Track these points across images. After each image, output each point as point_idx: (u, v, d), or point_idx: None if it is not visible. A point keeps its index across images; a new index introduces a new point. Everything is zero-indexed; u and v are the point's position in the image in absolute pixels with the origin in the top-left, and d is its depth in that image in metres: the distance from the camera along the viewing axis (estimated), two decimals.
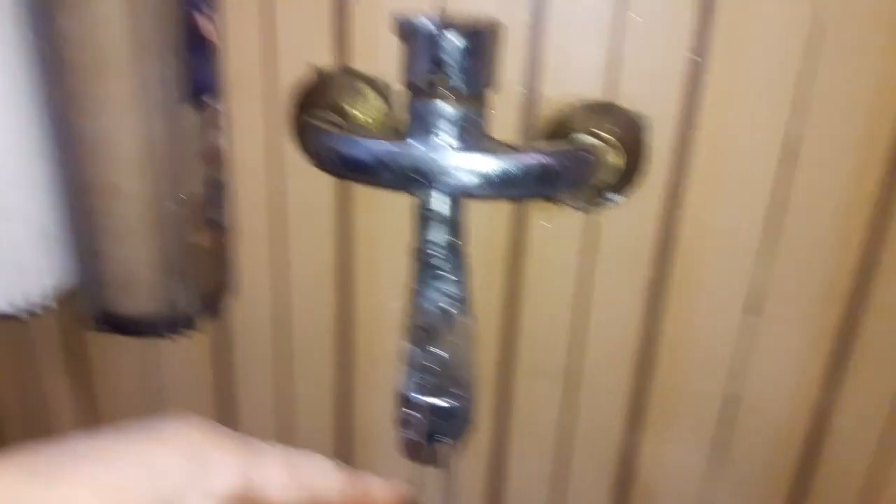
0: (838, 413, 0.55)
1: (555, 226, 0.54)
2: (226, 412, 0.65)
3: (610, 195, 0.52)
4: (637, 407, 0.58)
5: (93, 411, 0.69)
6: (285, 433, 0.65)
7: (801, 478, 0.58)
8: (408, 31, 0.41)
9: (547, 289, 0.56)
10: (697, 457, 0.59)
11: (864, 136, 0.48)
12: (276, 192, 0.56)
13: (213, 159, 0.52)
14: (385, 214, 0.55)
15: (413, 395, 0.34)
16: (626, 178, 0.51)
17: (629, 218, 0.53)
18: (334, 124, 0.49)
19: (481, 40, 0.43)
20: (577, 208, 0.53)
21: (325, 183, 0.55)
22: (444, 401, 0.34)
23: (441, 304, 0.40)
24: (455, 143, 0.45)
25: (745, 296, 0.53)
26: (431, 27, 0.40)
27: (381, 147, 0.46)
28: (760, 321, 0.54)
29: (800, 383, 0.55)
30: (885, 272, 0.51)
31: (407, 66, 0.44)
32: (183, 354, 0.64)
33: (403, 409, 0.35)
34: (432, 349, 0.37)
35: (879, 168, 0.48)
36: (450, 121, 0.44)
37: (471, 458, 0.63)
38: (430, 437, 0.35)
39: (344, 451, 0.65)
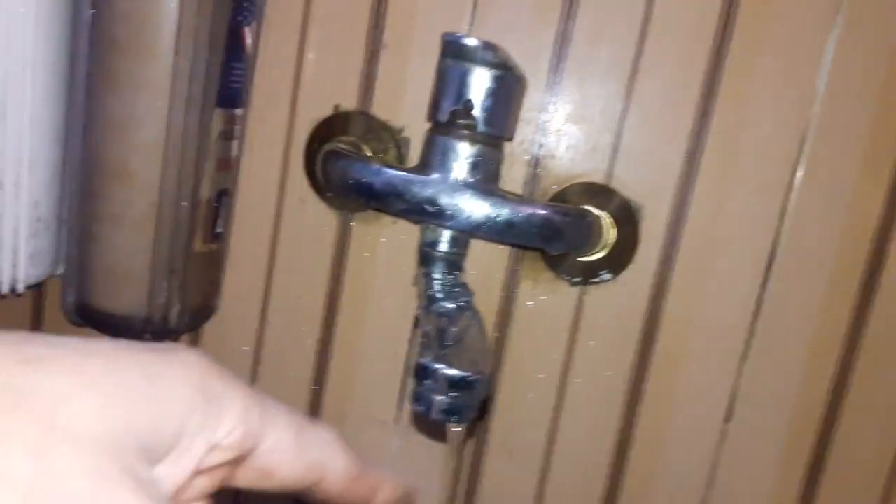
0: None
1: (545, 297, 0.55)
2: None
3: (601, 272, 0.54)
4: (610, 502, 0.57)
5: None
6: None
7: None
8: (453, 50, 0.44)
9: (528, 361, 0.56)
10: None
11: (841, 249, 0.52)
12: (278, 215, 0.57)
13: (227, 168, 0.53)
14: (381, 259, 0.56)
15: (429, 363, 0.34)
16: (618, 258, 0.53)
17: (616, 299, 0.54)
18: (353, 152, 0.51)
19: (507, 85, 0.46)
20: (569, 281, 0.54)
21: (327, 219, 0.57)
22: (461, 372, 0.34)
23: (453, 305, 0.41)
24: (468, 180, 0.47)
25: (724, 400, 0.55)
26: (478, 44, 0.43)
27: (396, 176, 0.48)
28: (738, 428, 0.55)
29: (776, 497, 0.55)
30: (859, 387, 0.53)
31: (434, 99, 0.47)
32: None
33: (417, 380, 0.34)
34: (450, 327, 0.37)
35: (856, 279, 0.52)
36: (466, 159, 0.47)
37: None
38: (447, 411, 0.34)
39: None
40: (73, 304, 0.52)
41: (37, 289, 0.59)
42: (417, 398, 0.34)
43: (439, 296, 0.42)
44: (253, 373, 0.60)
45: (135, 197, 0.49)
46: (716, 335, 0.54)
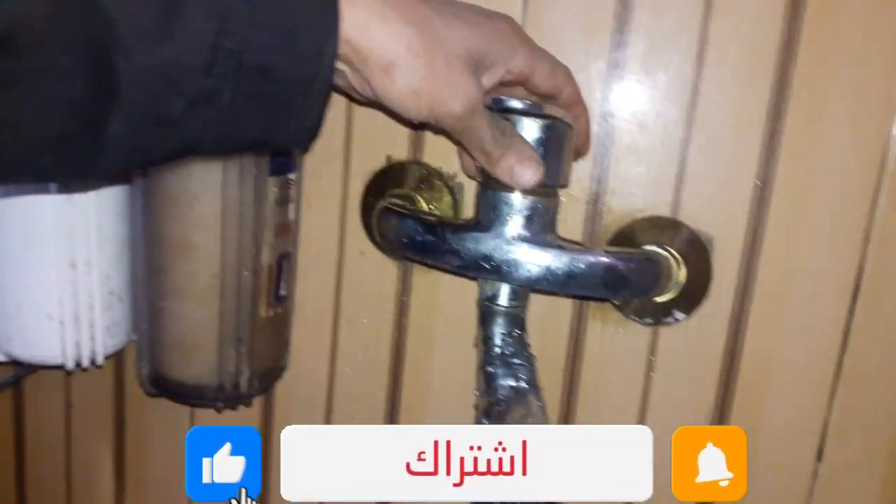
0: None
1: (614, 339, 0.53)
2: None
3: (674, 312, 0.52)
4: None
5: (129, 474, 0.68)
6: None
7: None
8: (498, 108, 0.43)
9: (603, 405, 0.55)
10: None
11: None
12: (339, 269, 0.57)
13: (286, 232, 0.53)
14: (443, 307, 0.56)
15: None
16: (690, 296, 0.51)
17: (692, 337, 0.52)
18: (407, 209, 0.51)
19: (557, 133, 0.45)
20: (641, 322, 0.52)
21: (387, 270, 0.56)
22: None
23: (512, 384, 0.40)
24: (524, 234, 0.46)
25: (814, 438, 0.51)
26: (522, 106, 0.42)
27: (450, 233, 0.47)
28: (831, 467, 0.52)
29: None
30: None
31: None
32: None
33: None
34: (506, 417, 0.36)
35: None
36: (519, 212, 0.46)
37: None
38: None
39: None
40: (147, 375, 0.54)
41: (115, 357, 0.61)
42: None
43: (498, 375, 0.41)
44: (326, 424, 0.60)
45: (198, 269, 0.50)
46: (801, 370, 0.51)
